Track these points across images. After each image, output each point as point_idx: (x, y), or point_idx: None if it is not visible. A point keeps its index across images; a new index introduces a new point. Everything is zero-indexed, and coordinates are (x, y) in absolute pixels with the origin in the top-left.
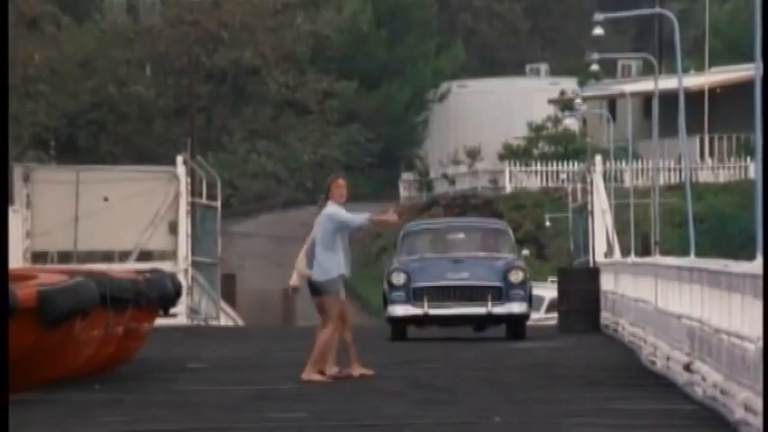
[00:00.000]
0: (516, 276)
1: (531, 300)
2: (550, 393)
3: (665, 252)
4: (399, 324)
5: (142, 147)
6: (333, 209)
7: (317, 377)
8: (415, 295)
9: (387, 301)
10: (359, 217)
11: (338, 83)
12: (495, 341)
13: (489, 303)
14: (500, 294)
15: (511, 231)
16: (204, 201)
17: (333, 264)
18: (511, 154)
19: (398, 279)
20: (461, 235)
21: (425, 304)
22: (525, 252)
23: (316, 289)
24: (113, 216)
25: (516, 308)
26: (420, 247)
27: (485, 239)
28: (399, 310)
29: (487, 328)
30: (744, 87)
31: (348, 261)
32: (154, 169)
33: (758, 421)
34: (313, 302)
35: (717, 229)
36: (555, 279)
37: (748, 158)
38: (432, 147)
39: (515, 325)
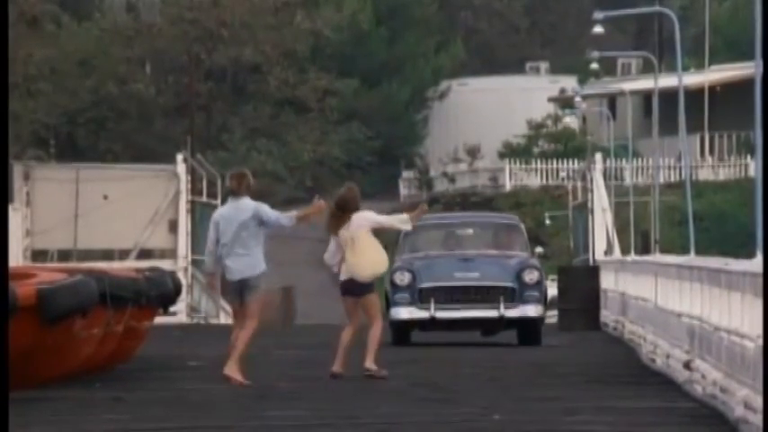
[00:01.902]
0: (531, 276)
1: (546, 302)
2: (550, 391)
3: (664, 250)
4: (403, 328)
5: (142, 145)
6: (255, 204)
7: (239, 377)
8: (420, 297)
9: (389, 304)
10: (285, 217)
11: (338, 81)
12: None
13: (501, 306)
14: (513, 296)
15: (523, 227)
16: (204, 199)
17: (261, 258)
18: (511, 152)
19: (402, 279)
20: (470, 231)
21: (432, 307)
22: (539, 249)
23: (247, 286)
24: (113, 214)
25: (531, 311)
26: (425, 243)
27: (496, 236)
28: (404, 313)
29: (498, 333)
30: (744, 85)
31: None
32: (154, 167)
33: (758, 419)
34: (235, 302)
35: (716, 228)
36: (555, 277)
37: (748, 156)
38: (432, 145)
39: (530, 330)
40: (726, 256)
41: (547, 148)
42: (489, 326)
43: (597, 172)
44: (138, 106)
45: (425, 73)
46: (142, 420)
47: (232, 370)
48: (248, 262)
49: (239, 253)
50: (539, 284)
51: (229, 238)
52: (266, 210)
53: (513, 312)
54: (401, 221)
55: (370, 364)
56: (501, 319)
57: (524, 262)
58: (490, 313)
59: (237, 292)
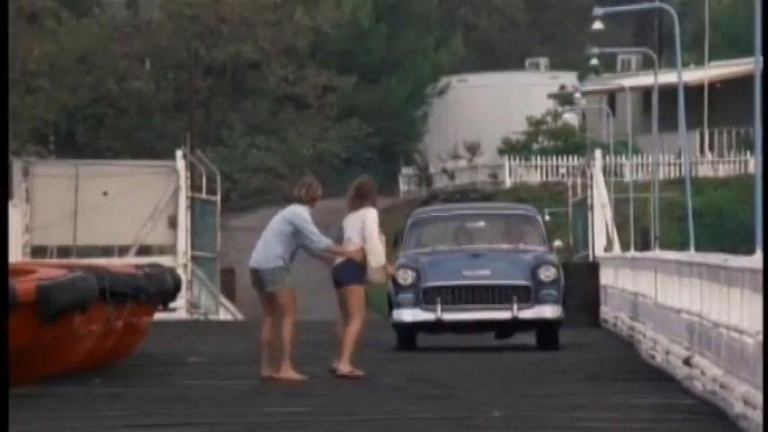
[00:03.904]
0: (548, 273)
1: (565, 301)
2: (550, 388)
3: (664, 246)
4: (407, 331)
5: (141, 141)
6: (295, 214)
7: (296, 376)
8: (425, 297)
9: (392, 304)
10: (323, 241)
11: (337, 77)
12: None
13: (515, 306)
14: (528, 295)
15: (540, 218)
16: (204, 195)
17: (276, 255)
18: (510, 148)
19: (405, 278)
20: (481, 223)
21: (438, 308)
22: (558, 243)
23: (263, 280)
24: (113, 211)
25: (548, 311)
26: (431, 237)
27: (509, 228)
28: (407, 314)
29: (513, 336)
30: (743, 82)
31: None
32: (153, 164)
33: (757, 415)
34: (257, 291)
35: (716, 224)
36: None
37: (748, 153)
38: (431, 141)
39: (547, 332)
40: (725, 253)
41: (546, 145)
42: (502, 328)
43: (597, 168)
44: (138, 103)
45: (425, 69)
46: (142, 416)
47: (286, 371)
48: (261, 254)
49: (258, 245)
50: (556, 282)
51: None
52: (309, 228)
53: (527, 313)
54: (376, 256)
55: (342, 366)
56: (514, 320)
57: (540, 258)
58: (502, 315)
59: (253, 279)
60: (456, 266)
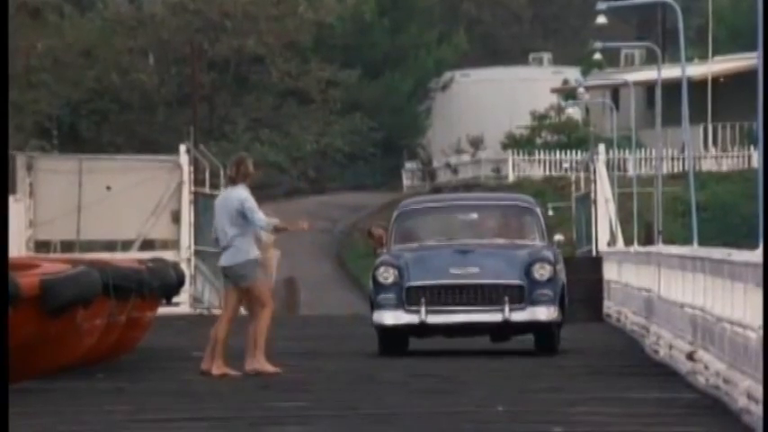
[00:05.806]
0: (542, 271)
1: (563, 302)
2: (553, 382)
3: (667, 241)
4: (389, 335)
5: (145, 136)
6: (243, 196)
7: (271, 368)
8: (408, 298)
9: (373, 305)
10: (263, 220)
11: (341, 72)
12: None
13: (506, 308)
14: (521, 295)
15: (540, 210)
16: (207, 190)
17: (244, 248)
18: (514, 143)
19: (386, 276)
20: (474, 216)
21: (422, 309)
22: (559, 237)
23: (233, 275)
24: (116, 205)
25: (543, 313)
26: (419, 232)
27: (505, 221)
28: (388, 317)
29: (510, 339)
30: (747, 76)
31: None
32: (157, 158)
33: (761, 410)
34: (226, 288)
35: (720, 218)
36: None
37: (751, 147)
38: (434, 136)
39: (543, 336)
40: (729, 247)
41: (550, 139)
42: (492, 331)
43: (600, 163)
44: (141, 97)
45: (428, 64)
46: (145, 411)
47: (262, 363)
48: (230, 252)
49: (223, 244)
50: (552, 281)
51: (220, 228)
52: (249, 206)
53: (520, 315)
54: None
55: (251, 365)
56: (506, 323)
57: (536, 254)
58: (492, 317)
59: (225, 277)
60: (442, 264)
